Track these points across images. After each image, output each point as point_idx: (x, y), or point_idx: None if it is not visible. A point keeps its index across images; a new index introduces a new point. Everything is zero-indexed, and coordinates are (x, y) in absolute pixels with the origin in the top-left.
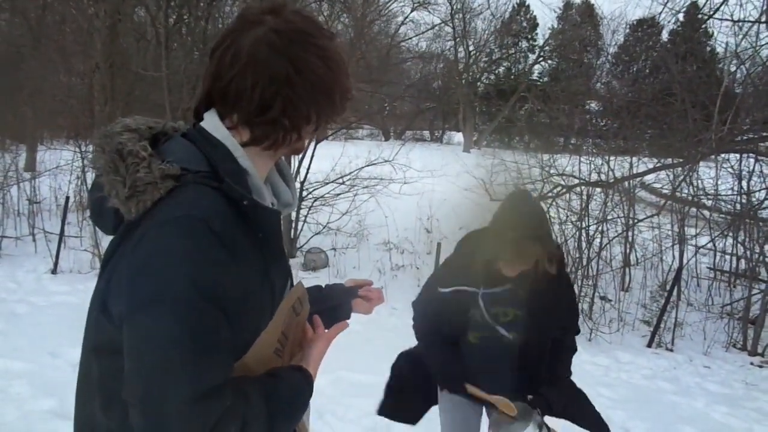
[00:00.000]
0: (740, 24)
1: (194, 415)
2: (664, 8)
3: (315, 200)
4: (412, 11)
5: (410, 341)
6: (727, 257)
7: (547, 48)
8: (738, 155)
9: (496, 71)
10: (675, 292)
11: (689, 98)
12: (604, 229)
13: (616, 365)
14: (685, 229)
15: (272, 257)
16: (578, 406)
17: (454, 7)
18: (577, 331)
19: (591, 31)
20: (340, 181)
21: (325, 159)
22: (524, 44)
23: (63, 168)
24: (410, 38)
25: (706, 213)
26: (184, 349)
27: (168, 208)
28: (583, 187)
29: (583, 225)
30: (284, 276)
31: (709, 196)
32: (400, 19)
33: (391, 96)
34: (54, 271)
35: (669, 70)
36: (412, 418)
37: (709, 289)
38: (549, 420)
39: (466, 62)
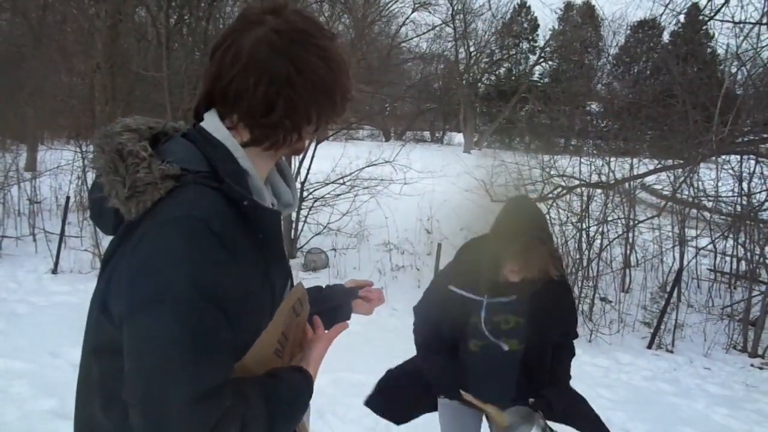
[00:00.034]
0: (741, 25)
1: (194, 416)
2: (665, 10)
3: (315, 201)
4: (412, 12)
5: (410, 342)
6: (728, 259)
7: (547, 49)
8: (738, 157)
9: (497, 72)
10: (675, 294)
11: (690, 100)
12: (605, 230)
13: (616, 366)
14: (686, 230)
15: (272, 258)
16: (578, 410)
17: (455, 7)
18: (576, 336)
19: (592, 32)
20: (341, 181)
21: (326, 159)
22: (525, 45)
23: (63, 168)
24: (411, 39)
25: (707, 214)
26: (184, 349)
27: (168, 208)
28: (583, 189)
29: (584, 226)
30: (284, 276)
31: (709, 198)
32: (401, 19)
33: (391, 97)
34: (54, 271)
35: (670, 71)
36: (397, 418)
37: (710, 290)
38: (552, 424)
39: (467, 63)
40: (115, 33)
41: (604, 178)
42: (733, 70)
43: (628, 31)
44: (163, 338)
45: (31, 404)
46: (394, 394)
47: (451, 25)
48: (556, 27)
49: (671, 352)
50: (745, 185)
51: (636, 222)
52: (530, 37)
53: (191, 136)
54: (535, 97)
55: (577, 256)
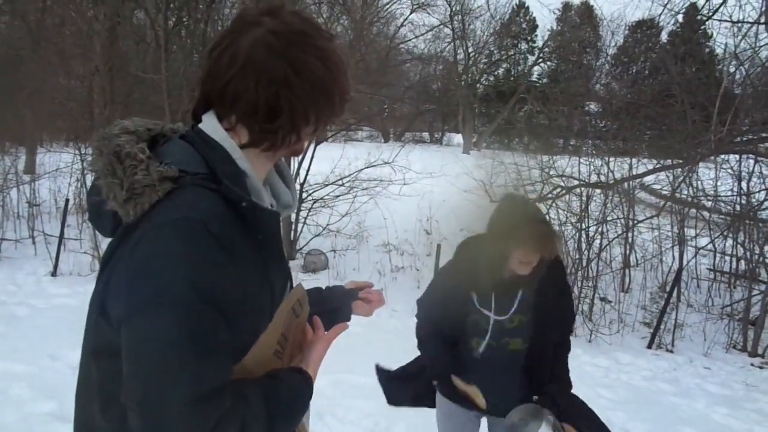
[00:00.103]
0: (739, 25)
1: (193, 417)
2: (663, 9)
3: (315, 202)
4: (411, 13)
5: (410, 343)
6: (727, 258)
7: (546, 49)
8: (737, 156)
9: (496, 73)
10: (675, 294)
11: (688, 99)
12: (604, 230)
13: (616, 366)
14: (685, 230)
15: (272, 259)
16: (578, 410)
17: (453, 8)
18: (571, 331)
19: (590, 32)
20: (340, 182)
21: (325, 161)
22: (524, 46)
23: (62, 170)
24: (409, 40)
25: (706, 214)
26: (182, 351)
27: (166, 210)
28: (582, 189)
29: (583, 226)
30: (284, 277)
31: (708, 197)
32: (400, 21)
33: (390, 98)
34: (54, 274)
35: (668, 71)
36: (394, 400)
37: (709, 290)
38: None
39: (466, 64)
40: (113, 35)
41: (603, 178)
42: (732, 69)
43: (627, 31)
44: (162, 340)
45: (30, 406)
46: (400, 384)
47: (450, 26)
48: (555, 27)
49: (671, 351)
50: (744, 184)
51: (635, 222)
52: (529, 38)
53: (189, 138)
54: (534, 98)
55: (577, 256)
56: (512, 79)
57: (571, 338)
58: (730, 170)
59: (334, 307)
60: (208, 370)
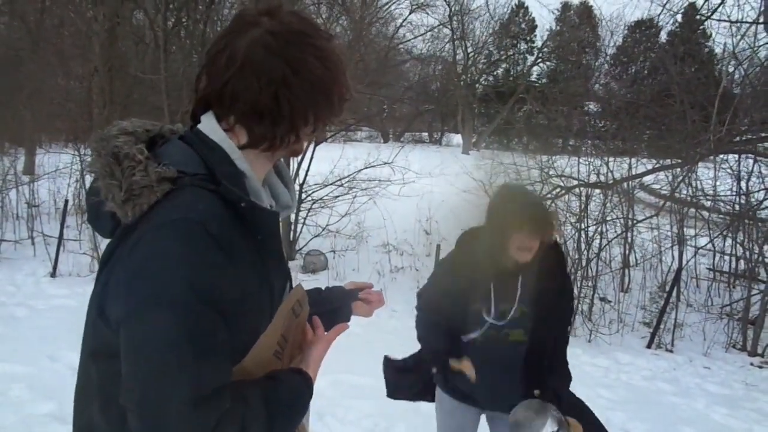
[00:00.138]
0: (738, 25)
1: (193, 418)
2: (662, 9)
3: (314, 202)
4: (410, 13)
5: (410, 343)
6: (727, 258)
7: (545, 49)
8: (737, 156)
9: (495, 73)
10: (674, 293)
11: (688, 99)
12: (604, 230)
13: (615, 366)
14: (684, 229)
15: (271, 259)
16: (578, 410)
17: (452, 9)
18: (570, 324)
19: (589, 32)
20: (339, 183)
21: (324, 161)
22: (523, 46)
23: (62, 171)
24: (409, 40)
25: (705, 214)
26: (181, 352)
27: (165, 211)
28: (582, 189)
29: (582, 226)
30: (283, 278)
31: (708, 197)
32: (399, 21)
33: (389, 98)
34: (53, 275)
35: (667, 71)
36: (394, 393)
37: (709, 289)
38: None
39: (465, 64)
40: (112, 36)
41: (602, 178)
42: (731, 69)
43: (626, 31)
44: (160, 341)
45: (29, 407)
46: (403, 376)
47: (449, 26)
48: (554, 27)
49: (671, 351)
50: (743, 184)
51: (635, 222)
52: (528, 38)
53: (188, 139)
54: (533, 98)
55: (576, 256)
56: (511, 79)
57: (571, 338)
58: (729, 170)
59: (334, 308)
60: (207, 370)
